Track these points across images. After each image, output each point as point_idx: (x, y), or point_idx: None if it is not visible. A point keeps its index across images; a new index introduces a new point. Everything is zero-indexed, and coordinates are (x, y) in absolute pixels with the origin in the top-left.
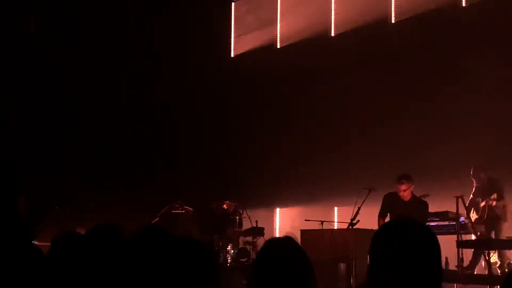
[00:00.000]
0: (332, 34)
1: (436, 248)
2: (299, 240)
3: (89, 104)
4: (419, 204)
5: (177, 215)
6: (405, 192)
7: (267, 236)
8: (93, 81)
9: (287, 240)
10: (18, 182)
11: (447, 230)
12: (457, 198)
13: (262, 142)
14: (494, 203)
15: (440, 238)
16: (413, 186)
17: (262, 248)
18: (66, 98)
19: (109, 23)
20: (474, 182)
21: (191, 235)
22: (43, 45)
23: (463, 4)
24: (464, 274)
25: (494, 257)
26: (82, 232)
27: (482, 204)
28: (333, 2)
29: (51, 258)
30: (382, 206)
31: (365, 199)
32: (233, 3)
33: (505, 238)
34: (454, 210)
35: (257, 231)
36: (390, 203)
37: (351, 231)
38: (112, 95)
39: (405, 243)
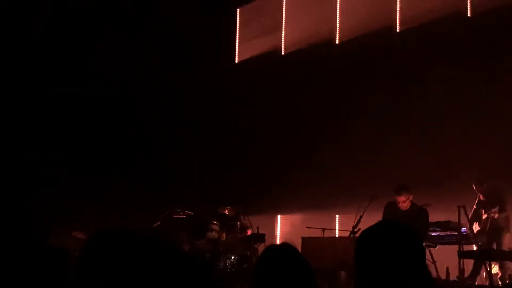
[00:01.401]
0: (337, 42)
1: (417, 248)
2: (299, 247)
3: (91, 106)
4: (419, 212)
5: (178, 220)
6: (404, 203)
7: (268, 243)
8: (95, 83)
9: (286, 246)
10: (19, 185)
11: (448, 240)
12: (459, 208)
13: (265, 149)
14: (497, 215)
15: (442, 248)
16: (411, 196)
17: (261, 255)
18: (67, 99)
19: (114, 28)
20: (481, 196)
21: (181, 240)
22: (47, 45)
23: (468, 14)
24: (465, 284)
25: (495, 268)
26: (80, 236)
27: (484, 216)
28: (338, 10)
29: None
30: (383, 216)
31: (367, 207)
32: (238, 9)
33: (507, 250)
34: (456, 220)
35: (258, 238)
36: (390, 213)
37: (352, 239)
38: (115, 98)
39: (386, 244)
